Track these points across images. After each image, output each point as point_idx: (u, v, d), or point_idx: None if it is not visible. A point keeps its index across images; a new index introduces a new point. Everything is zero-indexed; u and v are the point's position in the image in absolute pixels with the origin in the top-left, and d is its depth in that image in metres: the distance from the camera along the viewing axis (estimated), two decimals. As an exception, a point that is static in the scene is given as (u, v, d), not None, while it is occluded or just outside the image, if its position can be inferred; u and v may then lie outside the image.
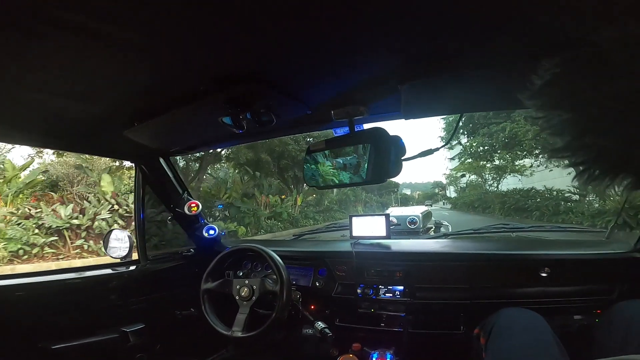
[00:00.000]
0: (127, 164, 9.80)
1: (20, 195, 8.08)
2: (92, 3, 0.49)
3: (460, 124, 11.82)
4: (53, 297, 1.25)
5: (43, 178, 9.13)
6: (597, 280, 1.22)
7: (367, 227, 1.64)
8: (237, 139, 1.58)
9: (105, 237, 1.55)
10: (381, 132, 0.95)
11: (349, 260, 1.50)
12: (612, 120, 0.38)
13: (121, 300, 1.41)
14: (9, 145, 9.49)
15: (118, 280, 1.44)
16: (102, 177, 8.95)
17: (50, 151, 9.84)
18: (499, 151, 15.24)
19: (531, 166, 14.53)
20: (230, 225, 9.85)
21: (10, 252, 6.41)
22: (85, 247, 7.27)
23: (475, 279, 1.32)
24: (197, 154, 10.11)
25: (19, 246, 6.52)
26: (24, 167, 8.62)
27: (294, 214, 13.31)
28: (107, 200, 8.07)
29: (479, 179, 20.87)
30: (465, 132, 17.10)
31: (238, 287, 1.39)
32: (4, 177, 8.24)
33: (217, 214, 10.38)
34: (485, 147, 15.88)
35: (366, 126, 1.10)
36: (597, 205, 9.45)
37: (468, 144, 17.45)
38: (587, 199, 10.22)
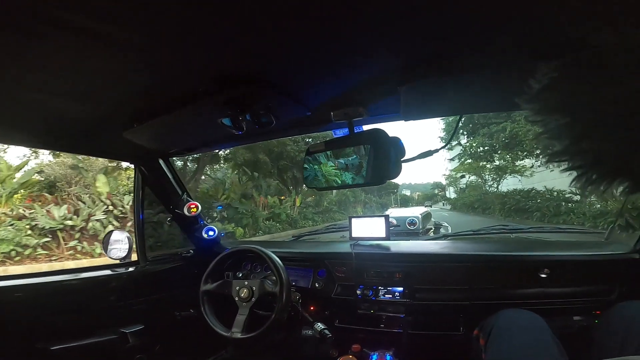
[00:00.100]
0: (124, 164, 9.79)
1: (15, 196, 8.04)
2: (91, 3, 0.49)
3: (460, 125, 11.80)
4: (52, 298, 1.25)
5: (41, 179, 9.08)
6: (596, 281, 1.22)
7: (367, 228, 1.64)
8: (237, 140, 1.58)
9: (104, 238, 1.54)
10: (380, 133, 0.95)
11: (348, 262, 1.50)
12: (610, 125, 0.38)
13: (120, 301, 1.41)
14: (4, 145, 9.45)
15: (117, 281, 1.44)
16: (98, 177, 8.90)
17: (47, 151, 9.80)
18: (499, 151, 15.22)
19: (532, 167, 14.50)
20: (227, 227, 9.81)
21: (2, 253, 6.38)
22: (79, 248, 7.23)
23: (474, 280, 1.32)
24: (195, 155, 10.10)
25: (11, 247, 6.49)
26: (19, 168, 8.57)
27: (293, 215, 13.29)
28: (102, 201, 8.04)
29: (479, 180, 20.87)
30: (465, 133, 17.08)
31: (237, 288, 1.39)
32: (-1, 177, 8.23)
33: (215, 215, 10.33)
34: (486, 148, 15.86)
35: (365, 127, 1.10)
36: (598, 205, 9.42)
37: (468, 144, 17.43)
38: (589, 199, 10.19)
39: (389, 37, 0.62)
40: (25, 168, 8.89)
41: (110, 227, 7.56)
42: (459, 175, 25.50)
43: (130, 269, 1.50)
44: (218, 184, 12.29)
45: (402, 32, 0.61)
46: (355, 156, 0.99)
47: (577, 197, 11.09)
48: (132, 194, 8.36)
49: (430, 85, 0.82)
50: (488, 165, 17.09)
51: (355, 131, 1.07)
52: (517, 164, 15.29)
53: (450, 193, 40.97)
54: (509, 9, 0.54)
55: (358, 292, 1.43)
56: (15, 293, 1.18)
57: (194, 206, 1.62)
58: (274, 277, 1.35)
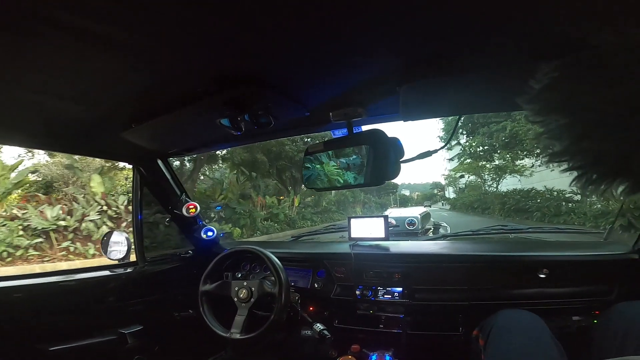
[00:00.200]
0: (121, 164, 9.75)
1: (9, 197, 7.98)
2: (90, 4, 0.49)
3: (459, 124, 11.77)
4: (51, 299, 1.24)
5: (38, 178, 9.03)
6: (595, 281, 1.22)
7: (366, 228, 1.64)
8: (236, 141, 1.58)
9: (103, 239, 1.54)
10: (379, 133, 0.95)
11: (347, 262, 1.50)
12: (610, 125, 0.38)
13: (119, 302, 1.41)
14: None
15: (116, 282, 1.43)
16: (92, 177, 8.85)
17: (42, 151, 9.72)
18: (499, 151, 15.20)
19: (532, 166, 14.48)
20: (225, 227, 9.75)
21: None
22: (72, 249, 7.16)
23: (474, 281, 1.32)
24: (193, 155, 10.05)
25: (2, 248, 6.45)
26: (13, 168, 8.48)
27: (291, 215, 13.25)
28: (96, 202, 7.97)
29: (478, 180, 20.87)
30: (465, 132, 17.07)
31: (236, 288, 1.39)
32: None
33: (213, 215, 10.28)
34: (485, 147, 15.85)
35: (364, 128, 1.10)
36: (599, 205, 9.40)
37: (467, 144, 17.42)
38: (590, 199, 10.16)
39: (388, 37, 0.62)
40: (21, 168, 8.81)
41: (104, 228, 7.52)
42: (458, 175, 25.52)
43: (129, 270, 1.50)
44: (216, 184, 12.24)
45: (402, 32, 0.61)
46: (356, 156, 0.99)
47: (578, 197, 11.05)
48: (127, 195, 8.32)
49: (429, 85, 0.82)
50: (488, 165, 17.08)
51: (354, 131, 1.07)
52: (517, 163, 15.27)
53: (450, 193, 41.01)
54: (508, 9, 0.54)
55: (357, 292, 1.43)
56: (14, 294, 1.17)
57: (192, 207, 1.62)
58: (273, 278, 1.35)
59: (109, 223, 7.81)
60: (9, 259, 6.49)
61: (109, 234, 1.55)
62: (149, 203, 1.64)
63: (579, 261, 1.26)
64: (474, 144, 16.54)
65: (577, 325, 1.19)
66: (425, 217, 3.14)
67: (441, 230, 3.16)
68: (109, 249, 1.51)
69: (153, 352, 1.46)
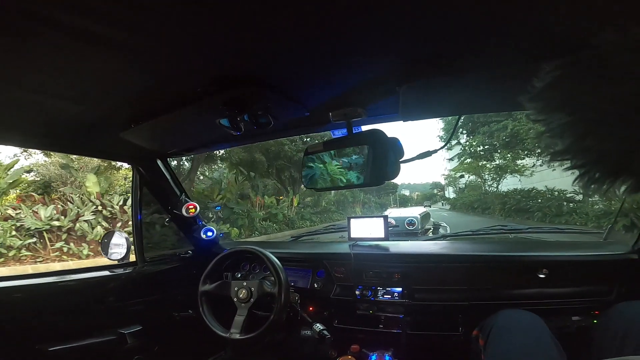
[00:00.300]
0: (118, 164, 9.71)
1: (7, 197, 7.92)
2: (90, 4, 0.49)
3: (459, 124, 11.72)
4: (50, 299, 1.24)
5: (36, 178, 8.97)
6: (595, 281, 1.22)
7: (366, 228, 1.64)
8: (235, 141, 1.58)
9: (102, 239, 1.54)
10: (379, 133, 0.95)
11: (347, 262, 1.50)
12: (612, 124, 0.38)
13: (119, 302, 1.41)
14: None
15: (115, 282, 1.43)
16: (87, 177, 8.76)
17: (39, 151, 9.64)
18: (499, 150, 15.16)
19: (533, 166, 14.43)
20: (222, 227, 9.69)
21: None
22: (65, 249, 7.06)
23: (473, 281, 1.32)
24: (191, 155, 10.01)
25: None
26: (8, 167, 8.38)
27: (290, 215, 13.20)
28: (91, 201, 7.87)
29: (478, 180, 20.85)
30: (465, 132, 17.03)
31: (236, 289, 1.38)
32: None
33: (211, 215, 10.23)
34: (486, 147, 15.81)
35: (364, 128, 1.10)
36: (601, 206, 9.37)
37: (467, 143, 17.38)
38: (591, 199, 10.12)
39: (388, 38, 0.62)
40: (16, 167, 8.70)
41: (98, 228, 7.44)
42: (458, 175, 25.53)
43: (129, 270, 1.50)
44: (214, 184, 12.19)
45: (401, 32, 0.61)
46: (358, 155, 0.99)
47: (579, 197, 11.01)
48: (124, 195, 8.25)
49: (429, 85, 0.82)
50: (488, 165, 17.05)
51: (354, 132, 1.07)
52: (517, 163, 15.24)
53: (450, 193, 41.04)
54: (508, 9, 0.54)
55: (357, 292, 1.43)
56: (13, 294, 1.17)
57: (192, 207, 1.62)
58: (273, 278, 1.35)
59: (104, 223, 7.70)
60: (1, 260, 6.42)
61: (108, 234, 1.55)
62: (148, 203, 1.64)
63: (578, 261, 1.26)
64: (474, 144, 16.50)
65: (577, 325, 1.19)
66: (425, 217, 3.14)
67: (441, 230, 3.16)
68: (108, 249, 1.51)
69: (152, 352, 1.46)
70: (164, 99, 0.88)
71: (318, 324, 1.35)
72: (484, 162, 17.03)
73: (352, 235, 1.67)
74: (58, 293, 1.27)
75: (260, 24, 0.56)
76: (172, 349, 1.56)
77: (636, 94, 0.37)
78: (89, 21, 0.53)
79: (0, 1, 0.47)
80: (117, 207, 8.05)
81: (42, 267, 6.53)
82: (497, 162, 16.18)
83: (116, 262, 1.50)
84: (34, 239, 6.86)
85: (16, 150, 10.38)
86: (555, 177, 12.41)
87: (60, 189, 9.02)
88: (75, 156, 9.01)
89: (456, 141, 17.52)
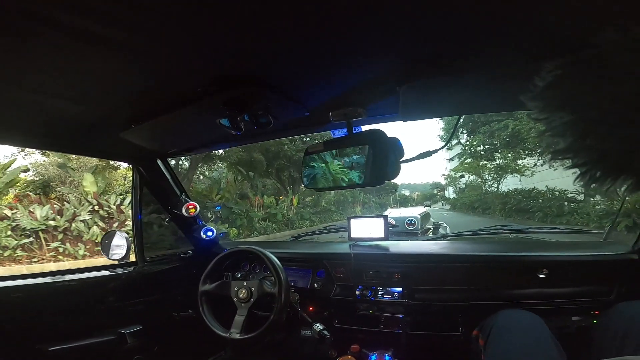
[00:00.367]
0: (116, 164, 9.67)
1: (2, 196, 7.88)
2: (90, 4, 0.49)
3: (459, 124, 11.66)
4: (50, 299, 1.24)
5: (35, 178, 8.92)
6: (595, 281, 1.22)
7: (366, 228, 1.64)
8: (235, 141, 1.58)
9: (103, 239, 1.54)
10: (379, 133, 0.95)
11: (347, 262, 1.50)
12: (613, 123, 0.38)
13: (119, 302, 1.41)
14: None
15: (116, 282, 1.43)
16: (85, 176, 8.72)
17: (37, 150, 9.60)
18: (500, 150, 15.10)
19: (534, 165, 14.37)
20: (221, 227, 9.60)
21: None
22: (61, 250, 7.01)
23: (473, 281, 1.32)
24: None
25: None
26: (5, 167, 8.33)
27: (290, 215, 13.15)
28: (88, 201, 7.81)
29: (479, 180, 20.82)
30: (465, 131, 16.98)
31: (236, 289, 1.38)
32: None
33: (210, 215, 10.18)
34: (486, 146, 15.76)
35: (364, 128, 1.10)
36: (602, 206, 9.33)
37: (468, 143, 17.32)
38: (593, 199, 10.07)
39: (388, 38, 0.62)
40: (14, 166, 8.66)
41: (95, 228, 7.39)
42: (458, 175, 25.52)
43: (129, 270, 1.50)
44: (213, 184, 12.14)
45: (401, 33, 0.61)
46: (360, 155, 0.99)
47: (581, 197, 10.96)
48: (121, 195, 8.19)
49: (429, 85, 0.82)
50: (488, 165, 17.01)
51: (354, 132, 1.07)
52: (518, 162, 15.18)
53: (450, 193, 41.04)
54: (508, 9, 0.54)
55: (357, 292, 1.43)
56: (13, 294, 1.17)
57: (192, 207, 1.62)
58: (273, 278, 1.35)
59: (101, 223, 7.64)
60: (-3, 260, 6.39)
61: (109, 234, 1.55)
62: (148, 203, 1.64)
63: (578, 261, 1.26)
64: (474, 143, 16.45)
65: (577, 325, 1.19)
66: (425, 217, 3.14)
67: (441, 231, 3.16)
68: (108, 249, 1.51)
69: (152, 352, 1.46)
70: (164, 99, 0.88)
71: (318, 324, 1.35)
72: (485, 162, 16.98)
73: (352, 235, 1.67)
74: (58, 293, 1.27)
75: (260, 24, 0.56)
76: (172, 349, 1.56)
77: (636, 93, 0.37)
78: (89, 21, 0.53)
79: (1, 1, 0.47)
80: (114, 207, 8.00)
81: (37, 268, 6.49)
82: (498, 161, 16.14)
83: (116, 262, 1.50)
84: (30, 239, 6.82)
85: (14, 150, 10.37)
86: (555, 177, 12.38)
87: (57, 189, 8.98)
88: (73, 156, 8.97)
89: (456, 141, 17.50)
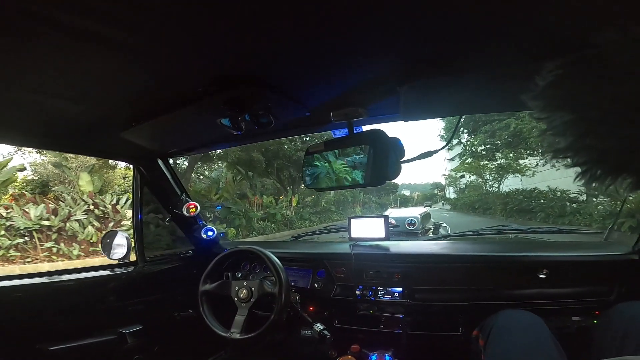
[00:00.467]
0: (113, 163, 9.62)
1: (4, 197, 7.84)
2: (90, 4, 0.49)
3: (460, 123, 11.58)
4: (50, 299, 1.24)
5: (34, 177, 8.88)
6: (595, 281, 1.22)
7: (366, 228, 1.64)
8: (236, 141, 1.58)
9: (103, 239, 1.54)
10: (380, 133, 0.95)
11: (347, 262, 1.50)
12: (613, 123, 0.38)
13: (119, 301, 1.41)
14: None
15: (116, 281, 1.43)
16: (81, 175, 8.65)
17: (34, 150, 9.53)
18: (501, 150, 15.03)
19: (536, 165, 14.29)
20: (219, 227, 9.54)
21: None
22: (55, 250, 6.91)
23: (474, 281, 1.32)
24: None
25: None
26: (1, 165, 8.23)
27: (289, 215, 13.07)
28: (83, 201, 7.70)
29: (479, 180, 20.77)
30: (466, 130, 16.92)
31: (236, 288, 1.39)
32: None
33: (208, 214, 10.10)
34: (487, 146, 15.70)
35: (365, 128, 1.10)
36: (605, 206, 9.28)
37: (469, 142, 17.26)
38: (596, 200, 10.01)
39: (389, 38, 0.62)
40: (10, 165, 8.57)
41: (89, 228, 7.32)
42: (458, 175, 25.49)
43: (129, 270, 1.50)
44: (212, 183, 12.08)
45: (402, 33, 0.61)
46: (362, 154, 0.99)
47: (583, 197, 10.90)
48: (120, 194, 8.12)
49: (430, 85, 0.82)
50: (489, 165, 16.96)
51: (355, 132, 1.07)
52: (520, 162, 15.12)
53: (450, 193, 41.02)
54: (509, 10, 0.54)
55: (357, 292, 1.43)
56: (13, 293, 1.17)
57: (192, 206, 1.62)
58: (273, 278, 1.35)
59: (96, 223, 7.54)
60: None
61: (109, 234, 1.55)
62: (149, 203, 1.64)
63: (579, 262, 1.26)
64: (475, 143, 16.39)
65: (577, 326, 1.19)
66: (426, 217, 3.14)
67: (441, 231, 3.16)
68: (109, 249, 1.51)
69: (153, 352, 1.46)
70: (164, 99, 0.88)
71: (318, 324, 1.35)
72: (486, 162, 16.93)
73: (353, 235, 1.67)
74: (58, 292, 1.27)
75: (260, 24, 0.56)
76: (172, 349, 1.56)
77: (636, 93, 0.37)
78: (89, 21, 0.53)
79: (1, 1, 0.47)
80: (110, 207, 7.90)
81: (29, 268, 6.41)
82: (499, 161, 16.09)
83: (117, 262, 1.50)
84: (24, 239, 6.73)
85: (10, 149, 10.34)
86: (556, 178, 12.33)
87: (53, 188, 8.95)
88: (71, 155, 8.92)
89: (457, 140, 17.44)
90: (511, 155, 14.91)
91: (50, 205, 7.29)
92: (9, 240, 6.58)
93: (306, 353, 1.54)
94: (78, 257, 7.04)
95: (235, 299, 1.37)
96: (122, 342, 1.33)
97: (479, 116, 14.88)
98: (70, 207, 7.48)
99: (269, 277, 1.44)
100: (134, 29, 0.56)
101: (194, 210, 1.62)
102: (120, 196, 8.33)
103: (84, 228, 7.34)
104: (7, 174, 8.21)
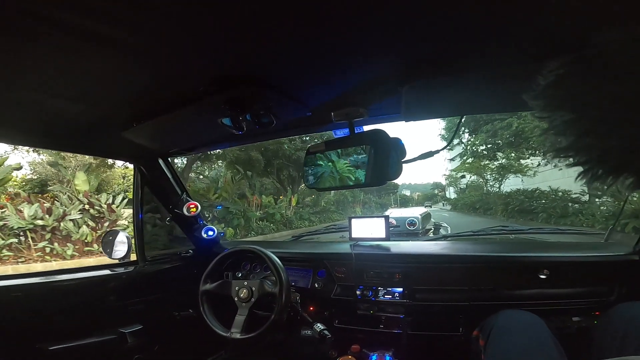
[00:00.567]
0: (110, 162, 9.58)
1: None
2: (90, 4, 0.49)
3: (461, 123, 11.51)
4: (51, 298, 1.25)
5: (33, 177, 8.85)
6: (596, 282, 1.22)
7: (367, 228, 1.64)
8: (237, 140, 1.58)
9: (103, 238, 1.54)
10: (381, 133, 0.95)
11: (348, 262, 1.50)
12: (613, 122, 0.39)
13: (119, 301, 1.41)
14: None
15: (116, 281, 1.44)
16: (76, 175, 8.59)
17: (31, 149, 9.46)
18: (502, 149, 14.97)
19: (538, 165, 14.22)
20: (217, 227, 9.45)
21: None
22: (48, 249, 6.83)
23: (474, 281, 1.32)
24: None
25: None
26: None
27: (288, 215, 13.01)
28: (79, 200, 7.63)
29: (480, 180, 20.74)
30: (467, 130, 16.87)
31: (237, 288, 1.39)
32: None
33: (207, 214, 10.02)
34: (489, 146, 15.65)
35: (366, 128, 1.10)
36: (607, 207, 9.25)
37: (470, 142, 17.21)
38: (598, 200, 9.96)
39: (390, 38, 0.62)
40: (6, 164, 8.49)
41: (84, 228, 7.26)
42: (459, 175, 25.46)
43: (129, 269, 1.50)
44: (211, 183, 12.03)
45: (403, 33, 0.61)
46: (365, 154, 0.99)
47: (586, 198, 10.85)
48: (110, 194, 8.06)
49: (431, 85, 0.82)
50: (490, 165, 16.91)
51: (356, 132, 1.07)
52: (521, 162, 15.04)
53: (451, 193, 41.02)
54: (509, 10, 0.54)
55: (358, 292, 1.43)
56: (13, 293, 1.18)
57: (193, 206, 1.62)
58: (274, 278, 1.35)
59: (91, 223, 7.46)
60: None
61: (109, 233, 1.55)
62: (149, 202, 1.64)
63: (579, 262, 1.25)
64: (476, 142, 16.35)
65: (578, 326, 1.18)
66: (426, 217, 3.13)
67: (442, 231, 3.15)
68: (109, 248, 1.51)
69: (153, 351, 1.46)
70: (165, 99, 0.88)
71: (319, 324, 1.35)
72: (486, 162, 16.89)
73: (353, 235, 1.67)
74: (58, 292, 1.27)
75: (260, 24, 0.56)
76: (172, 349, 1.56)
77: (636, 93, 0.37)
78: (89, 21, 0.53)
79: (1, 1, 0.47)
80: (105, 206, 7.82)
81: (22, 268, 6.36)
82: (500, 161, 16.03)
83: (117, 261, 1.50)
84: (17, 239, 6.67)
85: (7, 147, 10.29)
86: (557, 178, 12.28)
87: (49, 187, 8.93)
88: (68, 154, 8.86)
89: (458, 140, 17.41)
90: (513, 155, 14.85)
91: (45, 204, 7.22)
92: (3, 240, 6.52)
93: (306, 353, 1.54)
94: (72, 257, 6.98)
95: (236, 299, 1.37)
96: (123, 342, 1.33)
97: (480, 116, 14.82)
98: (66, 206, 7.42)
99: (269, 277, 1.44)
100: (135, 28, 0.56)
101: (194, 209, 1.62)
102: (116, 195, 8.27)
103: (79, 228, 7.28)
104: (3, 173, 8.13)
